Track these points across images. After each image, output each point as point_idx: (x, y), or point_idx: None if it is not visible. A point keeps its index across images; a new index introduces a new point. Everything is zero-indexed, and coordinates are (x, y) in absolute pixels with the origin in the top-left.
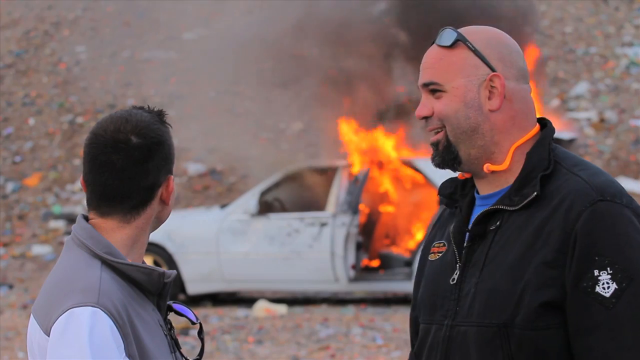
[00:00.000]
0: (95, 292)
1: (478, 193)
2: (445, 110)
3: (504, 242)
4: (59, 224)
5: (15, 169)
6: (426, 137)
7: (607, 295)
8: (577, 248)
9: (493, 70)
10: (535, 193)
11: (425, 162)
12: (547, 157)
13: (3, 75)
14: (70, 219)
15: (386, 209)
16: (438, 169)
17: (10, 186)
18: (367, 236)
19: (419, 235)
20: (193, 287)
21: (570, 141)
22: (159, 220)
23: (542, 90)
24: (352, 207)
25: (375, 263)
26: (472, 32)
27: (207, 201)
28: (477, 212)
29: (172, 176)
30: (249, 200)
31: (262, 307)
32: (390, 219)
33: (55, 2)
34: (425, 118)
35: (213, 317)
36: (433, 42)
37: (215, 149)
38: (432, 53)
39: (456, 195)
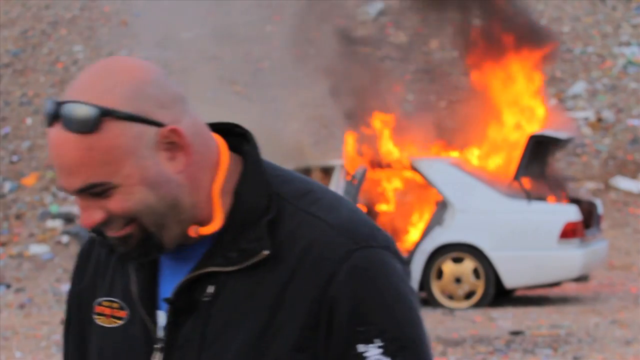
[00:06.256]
0: None
1: None
2: (130, 207)
3: (228, 316)
4: (57, 224)
5: (13, 168)
6: (425, 137)
7: None
8: (335, 320)
9: (160, 124)
10: (264, 252)
11: (423, 162)
12: (265, 191)
13: (0, 74)
14: (68, 219)
15: (384, 208)
16: (135, 261)
17: (7, 185)
18: None
19: (416, 236)
20: None
21: (568, 141)
22: None
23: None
24: None
25: None
26: (104, 89)
27: None
28: (167, 267)
29: None
30: None
31: None
32: (388, 219)
33: (52, 2)
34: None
35: None
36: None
37: None
38: (67, 146)
39: None
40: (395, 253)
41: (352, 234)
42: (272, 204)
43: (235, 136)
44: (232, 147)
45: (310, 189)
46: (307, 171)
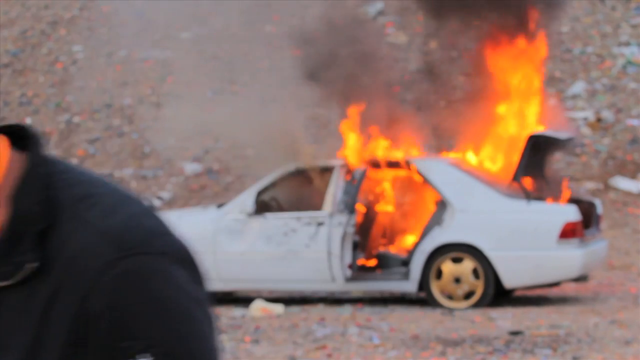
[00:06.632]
0: None
1: None
2: None
3: (2, 335)
4: None
5: None
6: (424, 137)
7: None
8: (94, 336)
9: None
10: (28, 265)
11: (422, 162)
12: (41, 197)
13: (0, 74)
14: None
15: (383, 208)
16: None
17: None
18: (364, 236)
19: (416, 236)
20: None
21: (568, 141)
22: None
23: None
24: (349, 207)
25: (372, 262)
26: None
27: (203, 201)
28: None
29: None
30: (246, 199)
31: (258, 307)
32: (387, 219)
33: (51, 2)
34: None
35: None
36: None
37: (212, 149)
38: None
39: None
40: (178, 259)
41: (121, 241)
42: (47, 211)
43: (28, 139)
44: (25, 150)
45: (93, 192)
46: (306, 171)
